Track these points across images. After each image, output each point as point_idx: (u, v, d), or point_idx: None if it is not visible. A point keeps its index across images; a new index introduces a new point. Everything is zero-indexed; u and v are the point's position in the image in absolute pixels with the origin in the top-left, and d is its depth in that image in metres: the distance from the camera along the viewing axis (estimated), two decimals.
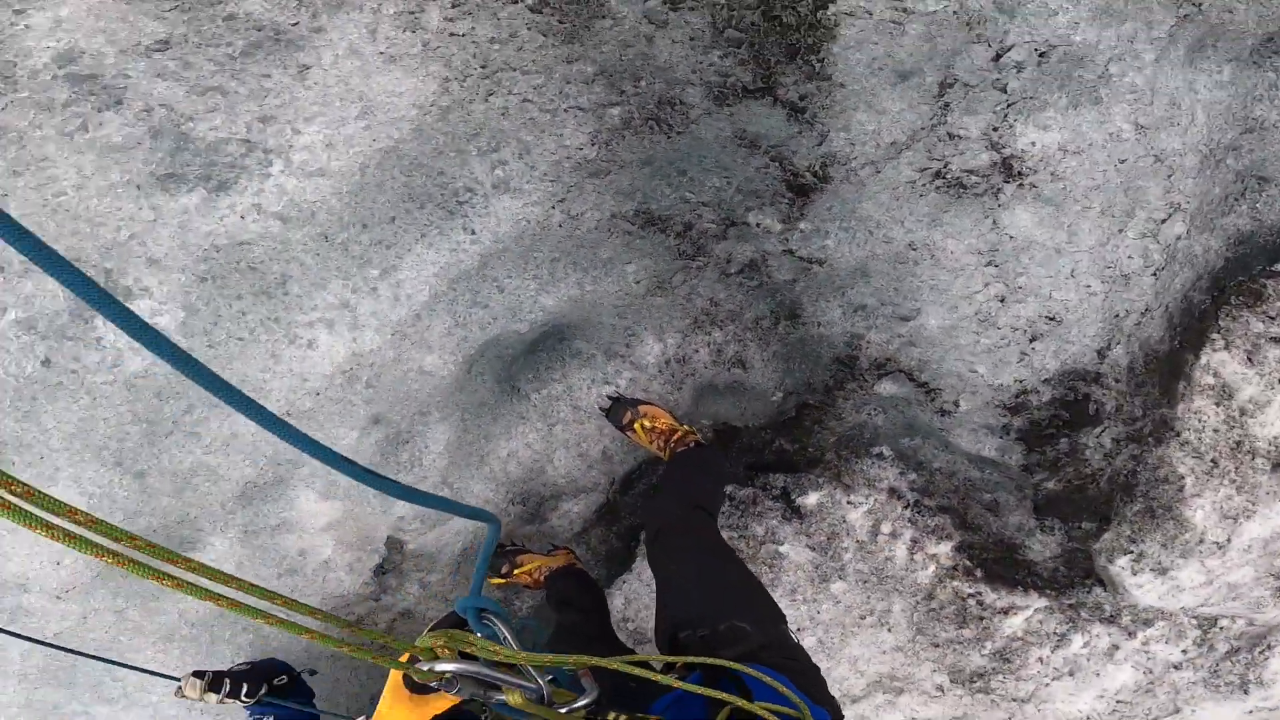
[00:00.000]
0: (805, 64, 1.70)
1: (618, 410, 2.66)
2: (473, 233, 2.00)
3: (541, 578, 2.78)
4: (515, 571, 2.79)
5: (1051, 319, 2.34)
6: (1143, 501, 2.52)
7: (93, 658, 1.63)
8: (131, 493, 1.94)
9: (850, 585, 3.13)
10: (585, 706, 0.99)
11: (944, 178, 1.96)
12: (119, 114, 1.51)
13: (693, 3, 1.62)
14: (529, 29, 1.66)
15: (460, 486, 2.61)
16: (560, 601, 2.66)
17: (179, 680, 1.84)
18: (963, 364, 2.56)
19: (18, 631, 1.49)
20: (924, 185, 1.97)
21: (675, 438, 2.60)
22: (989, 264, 2.16)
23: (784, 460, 3.28)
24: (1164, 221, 2.16)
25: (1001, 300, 2.29)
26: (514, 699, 0.92)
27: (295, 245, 1.80)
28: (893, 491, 3.07)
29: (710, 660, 1.13)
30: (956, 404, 2.73)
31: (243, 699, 1.85)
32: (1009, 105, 1.83)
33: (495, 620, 1.02)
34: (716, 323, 2.57)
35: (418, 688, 1.00)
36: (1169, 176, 2.08)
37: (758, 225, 2.15)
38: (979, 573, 3.01)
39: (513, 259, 2.12)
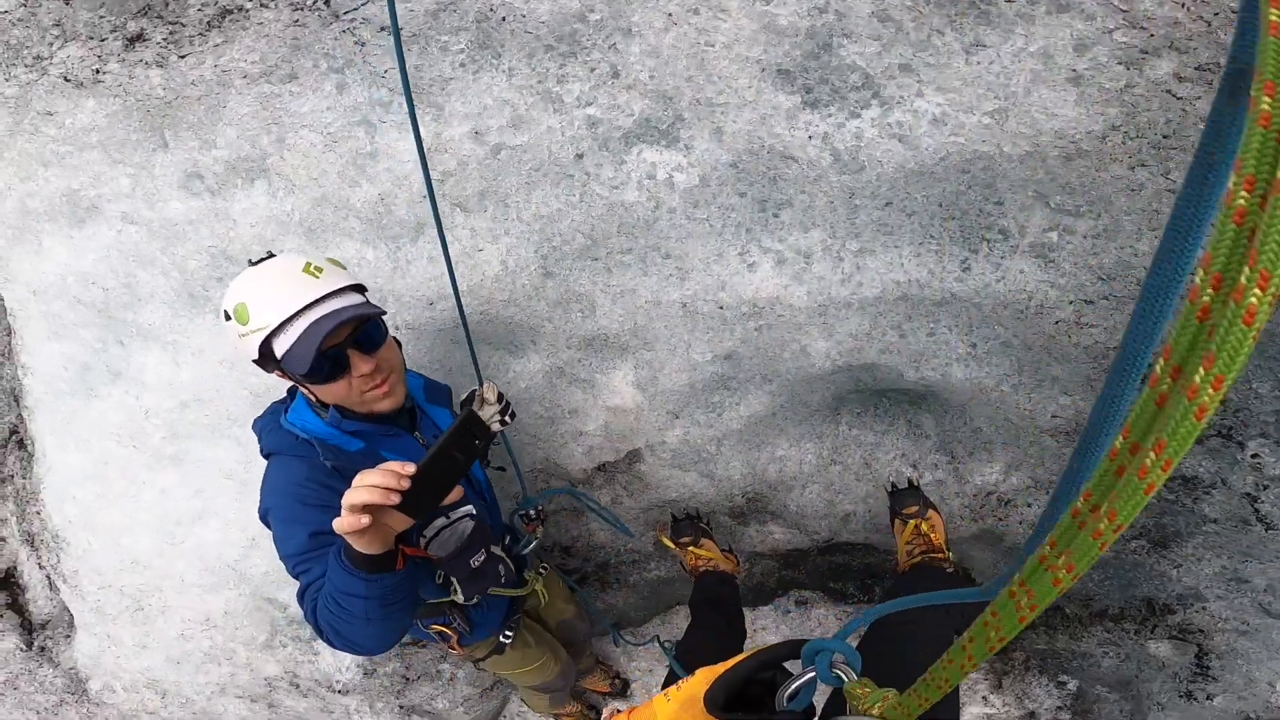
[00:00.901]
0: None
1: (908, 498, 2.41)
2: (966, 270, 1.79)
3: (701, 569, 2.67)
4: (691, 547, 2.70)
5: None
6: None
7: None
8: (530, 284, 2.01)
9: None
10: None
11: None
12: (799, 1, 1.44)
13: None
14: None
15: (726, 453, 2.51)
16: (709, 601, 2.54)
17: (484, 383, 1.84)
18: (1270, 674, 2.22)
19: None
20: None
21: (933, 555, 2.35)
22: None
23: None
24: None
25: None
26: None
27: (821, 183, 1.69)
28: (1031, 715, 2.92)
29: None
30: (1211, 697, 2.37)
31: (505, 419, 1.82)
32: None
33: (849, 671, 0.85)
34: None
35: (719, 705, 0.84)
36: None
37: (1253, 457, 1.75)
38: None
39: (970, 316, 1.89)
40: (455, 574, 1.51)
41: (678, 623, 2.97)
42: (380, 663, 2.81)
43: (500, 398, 1.81)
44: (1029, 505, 2.32)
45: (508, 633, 2.02)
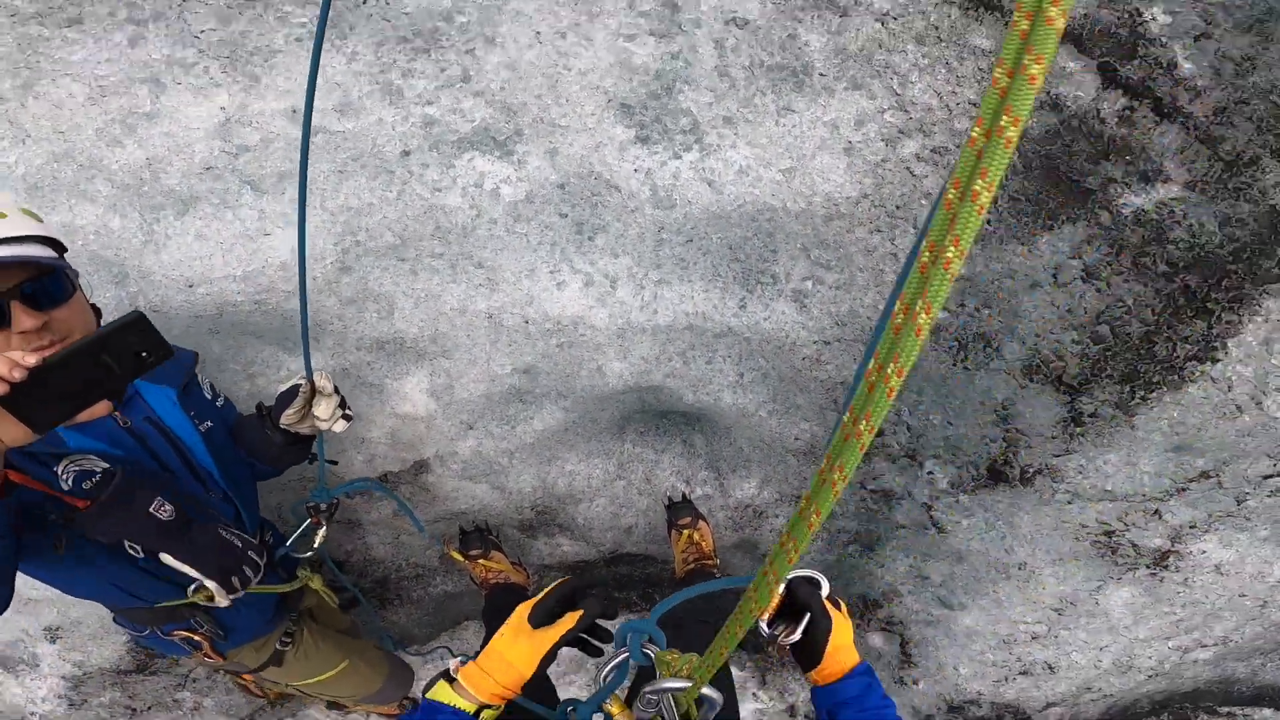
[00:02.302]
0: (1128, 393, 1.77)
1: (682, 510, 2.59)
2: (742, 307, 2.01)
3: (492, 582, 2.59)
4: (481, 560, 2.59)
5: (1050, 668, 2.54)
6: None
7: None
8: (324, 277, 1.80)
9: None
10: None
11: (1110, 536, 2.06)
12: (658, 45, 1.58)
13: (1104, 285, 1.69)
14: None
15: (518, 466, 2.47)
16: (502, 612, 2.46)
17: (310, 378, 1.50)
18: (954, 660, 2.71)
19: None
20: (1088, 532, 2.07)
21: (704, 562, 2.57)
22: (1056, 609, 2.28)
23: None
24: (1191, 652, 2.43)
25: (1034, 638, 2.44)
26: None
27: (637, 214, 1.79)
28: (791, 709, 3.19)
29: None
30: (917, 682, 2.86)
31: (346, 414, 1.54)
32: (1228, 516, 1.96)
33: (654, 650, 0.97)
34: None
35: (540, 621, 1.00)
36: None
37: (929, 474, 2.19)
38: None
39: (741, 348, 2.12)
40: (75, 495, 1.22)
41: (467, 638, 2.80)
42: (91, 693, 2.21)
43: (337, 390, 1.53)
44: (777, 516, 2.63)
45: (285, 637, 1.72)
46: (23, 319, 1.09)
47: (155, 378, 1.43)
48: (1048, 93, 1.54)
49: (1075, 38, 1.54)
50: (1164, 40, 1.47)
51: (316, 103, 1.57)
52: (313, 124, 1.58)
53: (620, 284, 1.93)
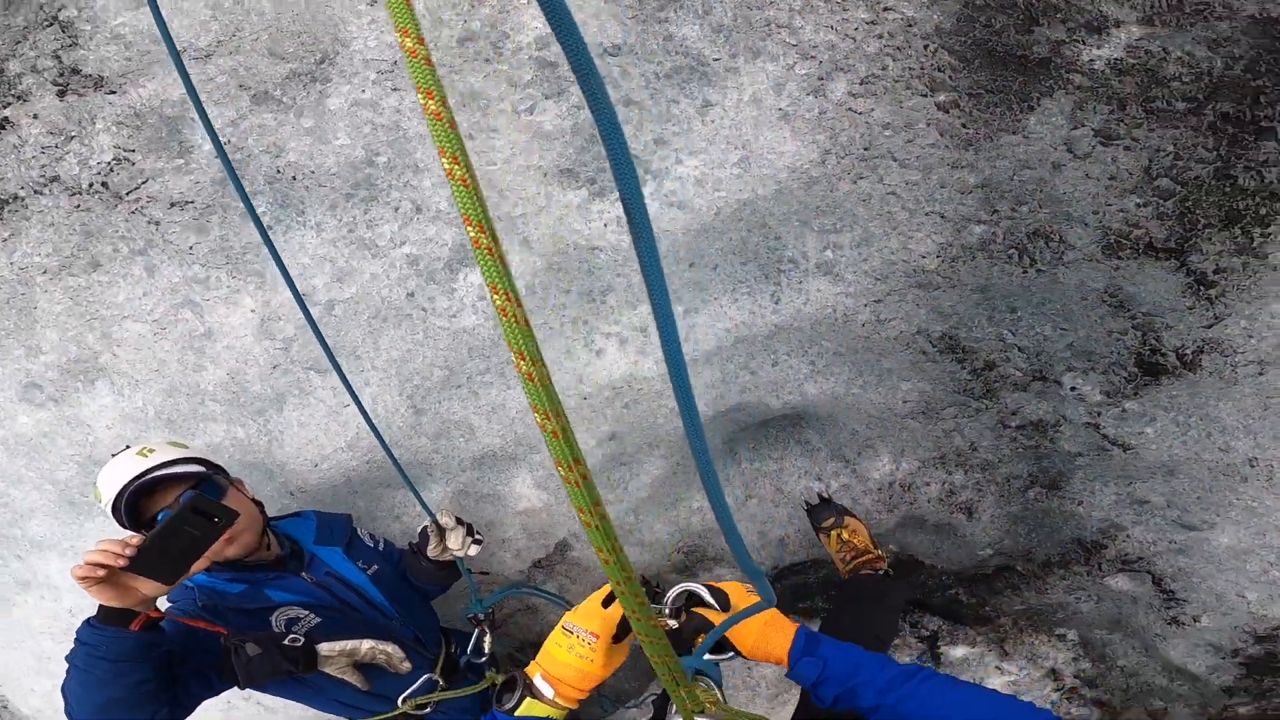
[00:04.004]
0: (1242, 235, 1.37)
1: (823, 511, 2.40)
2: (777, 302, 1.86)
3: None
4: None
5: None
6: None
7: None
8: (406, 424, 1.98)
9: None
10: None
11: None
12: (557, 104, 1.54)
13: (1130, 141, 1.37)
14: (928, 124, 1.50)
15: (647, 519, 2.47)
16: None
17: (434, 519, 1.82)
18: (1233, 586, 2.15)
19: None
20: None
21: (864, 559, 2.33)
22: None
23: (951, 608, 2.92)
24: None
25: None
26: None
27: (630, 263, 1.76)
28: (1053, 672, 2.79)
29: None
30: (1196, 619, 2.30)
31: (476, 538, 1.88)
32: None
33: (713, 686, 1.06)
34: (964, 466, 2.23)
35: (620, 637, 1.14)
36: None
37: (1072, 389, 1.82)
38: None
39: (799, 339, 1.95)
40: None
41: None
42: None
43: (459, 521, 1.85)
44: (928, 484, 2.34)
45: None
46: None
47: (324, 541, 1.79)
48: None
49: None
50: None
51: (317, 279, 1.74)
52: (323, 298, 1.77)
53: (651, 330, 1.89)
